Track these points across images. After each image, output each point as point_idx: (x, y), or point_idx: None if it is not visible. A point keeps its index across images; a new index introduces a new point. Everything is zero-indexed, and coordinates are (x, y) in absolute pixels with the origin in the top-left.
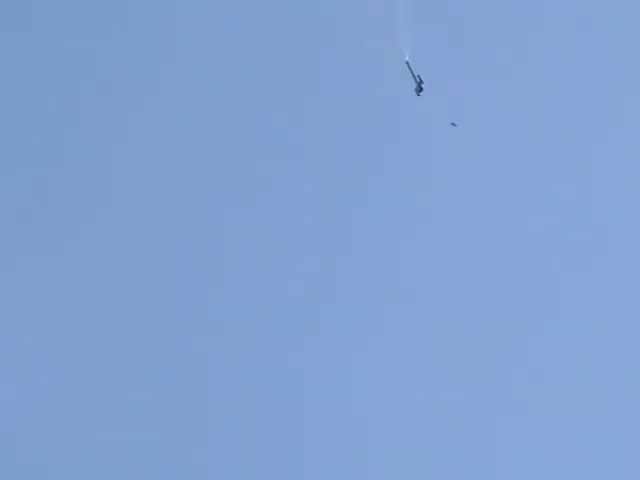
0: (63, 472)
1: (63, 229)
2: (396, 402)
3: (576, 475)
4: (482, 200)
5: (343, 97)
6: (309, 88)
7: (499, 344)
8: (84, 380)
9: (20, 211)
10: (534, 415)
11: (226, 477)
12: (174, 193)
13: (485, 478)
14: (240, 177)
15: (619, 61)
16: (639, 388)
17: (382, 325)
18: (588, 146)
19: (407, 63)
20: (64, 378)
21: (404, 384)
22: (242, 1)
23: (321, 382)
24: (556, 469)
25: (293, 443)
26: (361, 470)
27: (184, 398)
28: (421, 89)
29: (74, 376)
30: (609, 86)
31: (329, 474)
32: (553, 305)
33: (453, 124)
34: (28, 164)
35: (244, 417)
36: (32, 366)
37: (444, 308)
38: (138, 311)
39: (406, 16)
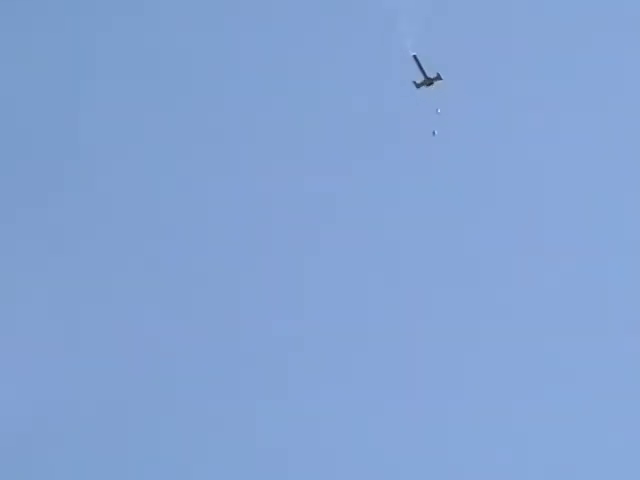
0: (63, 472)
1: (64, 228)
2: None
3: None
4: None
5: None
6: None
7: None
8: (85, 381)
9: (21, 210)
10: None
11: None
12: (173, 190)
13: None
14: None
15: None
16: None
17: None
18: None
19: (415, 57)
20: (65, 378)
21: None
22: None
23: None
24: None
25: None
26: None
27: (185, 398)
28: (430, 83)
29: (75, 376)
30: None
31: None
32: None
33: (434, 132)
34: (27, 162)
35: (243, 419)
36: (33, 366)
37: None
38: (139, 310)
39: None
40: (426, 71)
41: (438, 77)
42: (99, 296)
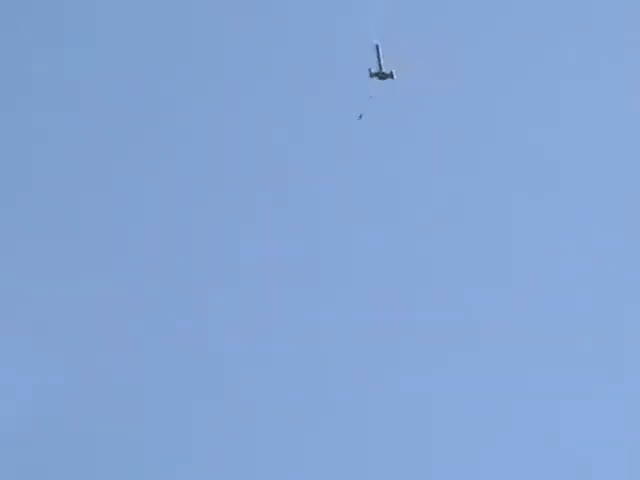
0: (64, 473)
1: (64, 225)
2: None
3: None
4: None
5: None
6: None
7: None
8: (86, 379)
9: (22, 207)
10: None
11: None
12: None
13: None
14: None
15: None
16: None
17: None
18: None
19: (377, 47)
20: (64, 377)
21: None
22: None
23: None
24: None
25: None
26: None
27: (188, 396)
28: (383, 77)
29: (75, 375)
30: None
31: None
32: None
33: (360, 116)
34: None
35: (246, 419)
36: (31, 364)
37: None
38: (141, 307)
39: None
40: (383, 64)
41: (391, 75)
42: (99, 293)
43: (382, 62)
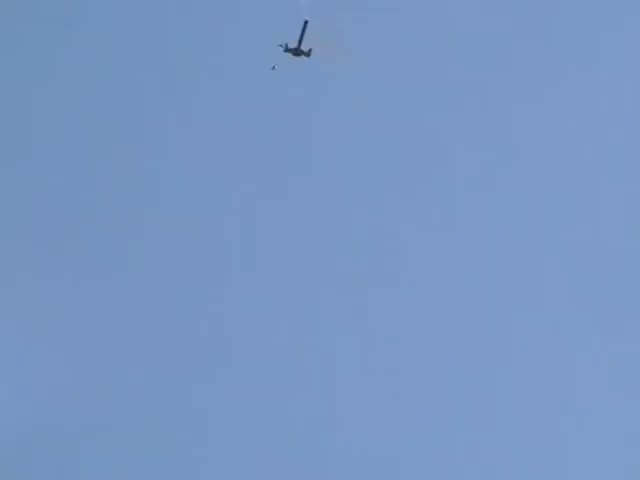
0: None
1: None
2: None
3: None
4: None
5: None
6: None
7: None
8: (89, 379)
9: (19, 199)
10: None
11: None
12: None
13: None
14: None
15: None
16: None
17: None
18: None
19: (305, 22)
20: (67, 376)
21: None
22: None
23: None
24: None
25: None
26: None
27: (195, 397)
28: (297, 54)
29: (78, 374)
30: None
31: None
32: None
33: (273, 67)
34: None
35: (250, 420)
36: (31, 363)
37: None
38: (143, 305)
39: None
40: (303, 42)
41: (308, 53)
42: (101, 289)
43: (303, 39)
